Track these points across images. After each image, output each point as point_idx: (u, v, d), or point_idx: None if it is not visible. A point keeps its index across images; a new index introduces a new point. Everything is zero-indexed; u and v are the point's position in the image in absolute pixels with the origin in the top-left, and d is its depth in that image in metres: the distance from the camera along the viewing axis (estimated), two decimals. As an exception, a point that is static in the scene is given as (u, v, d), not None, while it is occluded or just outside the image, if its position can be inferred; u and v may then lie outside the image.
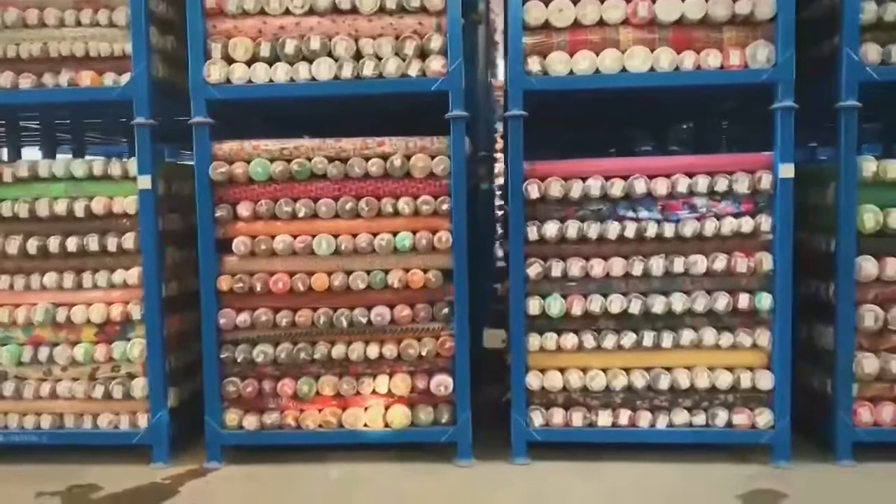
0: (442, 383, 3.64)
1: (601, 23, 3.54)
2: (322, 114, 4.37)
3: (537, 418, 3.66)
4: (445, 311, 3.66)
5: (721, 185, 3.52)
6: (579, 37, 3.55)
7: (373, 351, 3.65)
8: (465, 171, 3.60)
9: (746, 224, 3.52)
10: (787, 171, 3.48)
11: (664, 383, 3.59)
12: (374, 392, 3.70)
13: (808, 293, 3.85)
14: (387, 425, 3.69)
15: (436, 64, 3.55)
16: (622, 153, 6.38)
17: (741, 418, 3.57)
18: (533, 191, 3.57)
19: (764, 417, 3.57)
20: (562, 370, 3.67)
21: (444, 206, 3.60)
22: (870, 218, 3.48)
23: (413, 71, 3.56)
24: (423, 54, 3.59)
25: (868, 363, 3.52)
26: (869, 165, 3.49)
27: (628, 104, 4.45)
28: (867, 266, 3.51)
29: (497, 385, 4.23)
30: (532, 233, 3.60)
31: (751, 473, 3.49)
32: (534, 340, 3.64)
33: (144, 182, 3.67)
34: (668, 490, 3.37)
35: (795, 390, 3.90)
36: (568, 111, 4.76)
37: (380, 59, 3.58)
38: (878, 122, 5.80)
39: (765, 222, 3.52)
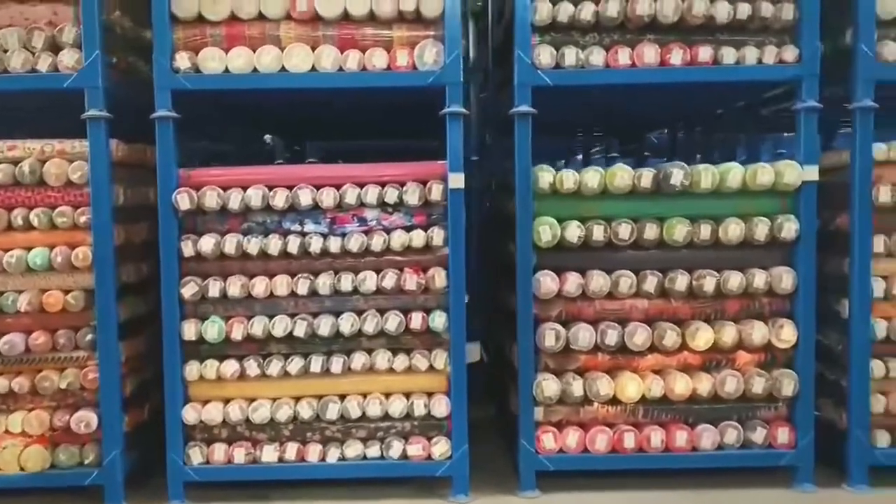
0: (83, 420, 3.22)
1: (261, 17, 3.23)
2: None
3: (196, 456, 3.28)
4: (90, 337, 3.24)
5: (391, 196, 3.25)
6: (236, 31, 3.22)
7: (2, 384, 3.20)
8: (110, 180, 3.20)
9: (418, 238, 3.25)
10: (456, 181, 3.23)
11: (333, 413, 3.27)
12: (7, 431, 3.24)
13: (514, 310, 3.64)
14: (23, 468, 3.24)
15: (69, 58, 3.14)
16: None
17: (416, 449, 3.28)
18: (183, 201, 3.21)
19: (440, 447, 3.29)
20: (227, 401, 3.31)
21: (83, 219, 3.19)
22: (546, 231, 3.27)
23: (43, 66, 3.15)
24: (58, 48, 3.18)
25: (548, 385, 3.30)
26: (545, 176, 3.29)
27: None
28: (546, 281, 3.29)
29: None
30: (187, 248, 3.24)
31: (416, 510, 3.22)
32: (192, 369, 3.27)
33: None
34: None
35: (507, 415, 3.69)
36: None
37: (6, 51, 3.15)
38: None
39: (437, 236, 3.26)
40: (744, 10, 3.23)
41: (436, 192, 3.24)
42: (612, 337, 3.29)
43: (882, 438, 3.37)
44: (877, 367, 3.34)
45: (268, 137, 5.53)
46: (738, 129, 5.23)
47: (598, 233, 3.28)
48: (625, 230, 3.28)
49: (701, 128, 5.54)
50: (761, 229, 3.26)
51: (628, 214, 3.31)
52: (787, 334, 3.29)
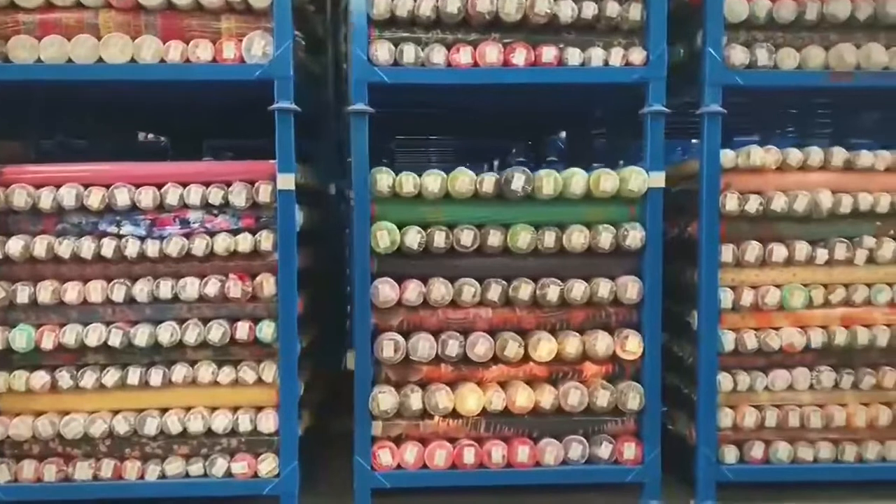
0: None
1: (79, 5, 3.02)
2: None
3: (2, 474, 3.04)
4: None
5: (216, 196, 3.06)
6: (51, 19, 3.00)
7: None
8: None
9: (244, 241, 3.07)
10: (286, 181, 3.05)
11: (152, 427, 3.07)
12: None
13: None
14: None
15: None
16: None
17: (240, 466, 3.09)
18: (-13, 200, 2.99)
19: (268, 464, 3.11)
20: (39, 414, 3.08)
21: None
22: (384, 236, 3.11)
23: None
24: None
25: (384, 398, 3.13)
26: (384, 179, 3.12)
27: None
28: (385, 289, 3.13)
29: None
30: (-7, 250, 3.01)
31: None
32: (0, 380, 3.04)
33: None
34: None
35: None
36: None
37: None
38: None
39: (266, 240, 3.08)
40: (589, 10, 3.11)
41: (264, 193, 3.06)
42: (453, 347, 3.14)
43: (730, 454, 3.27)
44: (725, 380, 3.24)
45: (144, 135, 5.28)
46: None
47: (440, 239, 3.13)
48: (467, 236, 3.13)
49: (606, 131, 5.43)
50: (606, 237, 3.14)
51: (471, 220, 3.16)
52: (631, 345, 3.18)
